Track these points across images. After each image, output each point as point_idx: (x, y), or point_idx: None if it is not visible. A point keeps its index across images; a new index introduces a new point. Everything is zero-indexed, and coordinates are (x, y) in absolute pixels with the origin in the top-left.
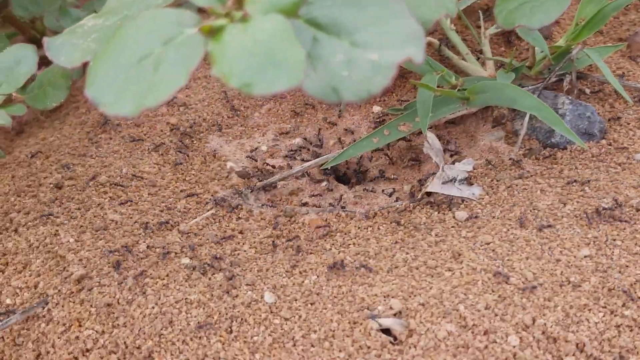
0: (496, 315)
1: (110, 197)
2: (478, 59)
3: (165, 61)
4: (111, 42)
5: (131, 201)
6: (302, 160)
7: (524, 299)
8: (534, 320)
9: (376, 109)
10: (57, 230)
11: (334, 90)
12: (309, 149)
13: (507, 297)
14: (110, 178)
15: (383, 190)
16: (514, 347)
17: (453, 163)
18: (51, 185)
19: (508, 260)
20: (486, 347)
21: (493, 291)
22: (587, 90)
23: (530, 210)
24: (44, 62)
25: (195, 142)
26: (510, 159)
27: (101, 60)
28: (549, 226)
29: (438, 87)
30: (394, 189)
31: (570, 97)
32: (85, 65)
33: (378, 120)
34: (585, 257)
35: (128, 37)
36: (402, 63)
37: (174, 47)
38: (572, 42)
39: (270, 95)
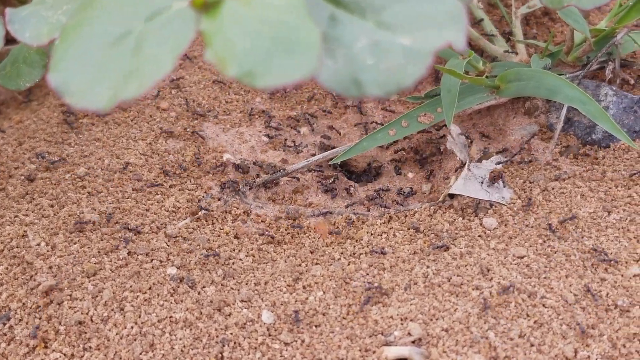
0: (532, 345)
1: (88, 193)
2: (507, 41)
3: (148, 41)
4: (82, 15)
5: (113, 198)
6: (309, 153)
7: (564, 326)
8: (575, 352)
9: (392, 97)
10: (25, 231)
11: (356, 83)
12: (316, 141)
13: (545, 324)
14: (90, 170)
15: (399, 190)
16: None
17: (480, 161)
18: (22, 177)
19: (545, 278)
20: None
21: (528, 315)
22: (631, 80)
23: (570, 219)
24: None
25: (188, 130)
26: (545, 157)
27: (69, 39)
28: (592, 238)
29: (464, 73)
30: (411, 188)
31: (614, 88)
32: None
33: (394, 110)
34: (634, 276)
35: (103, 10)
36: (441, 50)
37: (159, 24)
38: (616, 25)
39: (277, 87)
